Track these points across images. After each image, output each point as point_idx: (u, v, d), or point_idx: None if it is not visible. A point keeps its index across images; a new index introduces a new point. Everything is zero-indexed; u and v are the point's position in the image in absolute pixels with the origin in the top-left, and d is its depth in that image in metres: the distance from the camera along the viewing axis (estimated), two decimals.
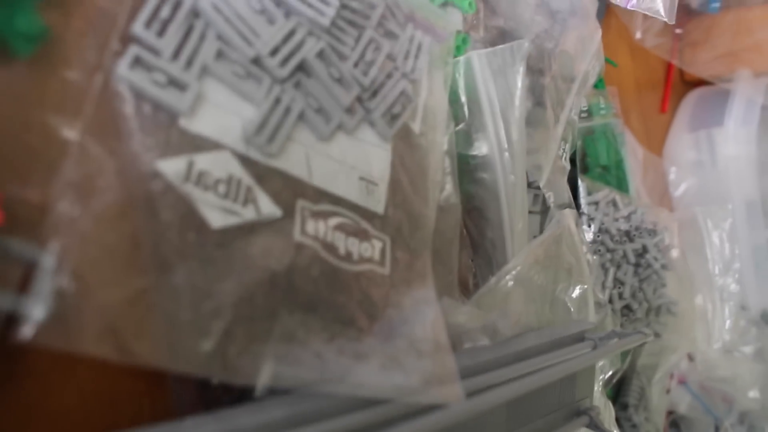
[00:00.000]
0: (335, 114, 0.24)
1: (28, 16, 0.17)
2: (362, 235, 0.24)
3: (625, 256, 0.43)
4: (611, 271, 0.42)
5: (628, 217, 0.44)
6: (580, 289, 0.32)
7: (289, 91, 0.23)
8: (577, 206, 0.43)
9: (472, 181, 0.31)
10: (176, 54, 0.20)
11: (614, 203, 0.45)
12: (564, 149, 0.38)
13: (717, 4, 0.52)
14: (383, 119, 0.26)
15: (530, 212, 0.35)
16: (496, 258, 0.30)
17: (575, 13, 0.43)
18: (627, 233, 0.44)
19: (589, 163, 0.46)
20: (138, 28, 0.20)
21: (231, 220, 0.20)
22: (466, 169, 0.31)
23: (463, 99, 0.31)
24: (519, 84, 0.30)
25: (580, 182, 0.43)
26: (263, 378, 0.19)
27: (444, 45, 0.30)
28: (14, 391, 0.19)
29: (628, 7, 0.41)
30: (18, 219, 0.17)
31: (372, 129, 0.26)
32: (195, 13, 0.21)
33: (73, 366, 0.21)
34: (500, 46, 0.31)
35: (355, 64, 0.25)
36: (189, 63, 0.21)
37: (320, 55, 0.24)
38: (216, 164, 0.21)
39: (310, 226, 0.23)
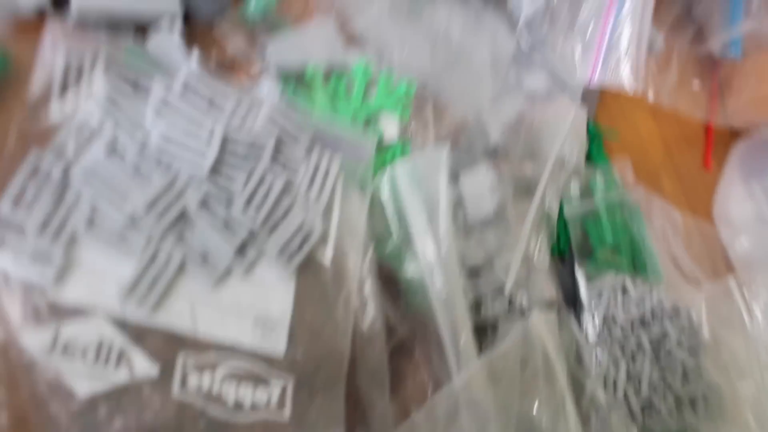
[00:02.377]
0: (222, 260, 0.30)
1: None
2: (257, 380, 0.29)
3: (640, 345, 0.44)
4: (623, 365, 0.43)
5: (640, 302, 0.46)
6: (553, 402, 0.34)
7: (169, 244, 0.29)
8: (579, 299, 0.46)
9: (412, 298, 0.35)
10: (43, 228, 0.27)
11: (623, 288, 0.47)
12: (538, 242, 0.42)
13: (738, 49, 0.57)
14: (282, 256, 0.31)
15: (501, 318, 0.38)
16: (441, 378, 0.33)
17: (551, 94, 0.49)
18: (641, 320, 0.45)
19: (594, 247, 0.49)
20: (5, 208, 0.27)
21: (99, 387, 0.26)
22: (406, 287, 0.35)
23: (391, 213, 0.36)
24: (443, 192, 0.35)
25: (577, 272, 0.46)
26: None
27: (363, 163, 0.36)
28: None
29: (592, 86, 0.46)
30: None
31: (270, 267, 0.31)
32: (64, 185, 0.29)
33: None
34: (419, 155, 0.36)
35: (246, 204, 0.31)
36: (56, 234, 0.27)
37: (202, 203, 0.30)
38: (85, 330, 0.26)
39: (193, 380, 0.28)
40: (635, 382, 0.43)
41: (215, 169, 0.31)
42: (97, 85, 0.30)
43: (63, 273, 0.27)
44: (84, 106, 0.30)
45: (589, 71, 0.45)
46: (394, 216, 0.36)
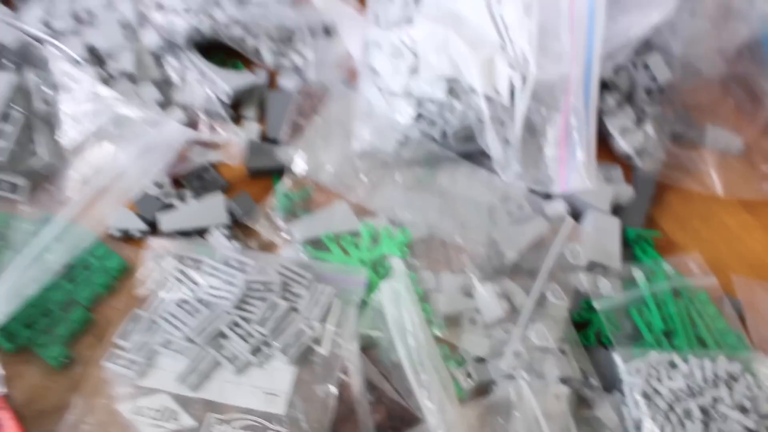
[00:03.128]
0: (243, 357, 0.62)
1: (59, 348, 0.63)
2: (262, 430, 0.58)
3: (688, 413, 0.63)
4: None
5: (689, 374, 0.66)
6: None
7: (210, 350, 0.62)
8: (619, 382, 0.67)
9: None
10: (136, 348, 0.62)
11: (671, 363, 0.67)
12: (545, 335, 0.66)
13: None
14: (285, 352, 0.62)
15: None
16: None
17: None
18: (689, 389, 0.64)
19: (643, 333, 0.70)
20: (116, 338, 0.63)
21: (157, 431, 0.58)
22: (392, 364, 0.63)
23: (379, 318, 0.65)
24: (407, 314, 0.65)
25: (614, 354, 0.67)
26: None
27: (356, 288, 0.67)
28: None
29: (562, 192, 0.72)
30: None
31: (277, 359, 0.62)
32: (151, 324, 0.64)
33: None
34: (393, 279, 0.66)
35: (260, 322, 0.64)
36: (141, 350, 0.62)
37: (231, 324, 0.64)
38: (154, 401, 0.59)
39: (216, 429, 0.58)
40: None
41: (241, 302, 0.65)
42: (172, 268, 0.67)
43: (144, 371, 0.62)
44: (166, 283, 0.67)
45: (558, 178, 0.72)
46: (384, 320, 0.65)
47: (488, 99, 0.75)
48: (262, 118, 0.81)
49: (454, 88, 0.77)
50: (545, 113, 0.76)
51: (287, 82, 0.83)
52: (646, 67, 0.85)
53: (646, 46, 0.86)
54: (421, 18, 0.80)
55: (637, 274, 0.75)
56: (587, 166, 0.72)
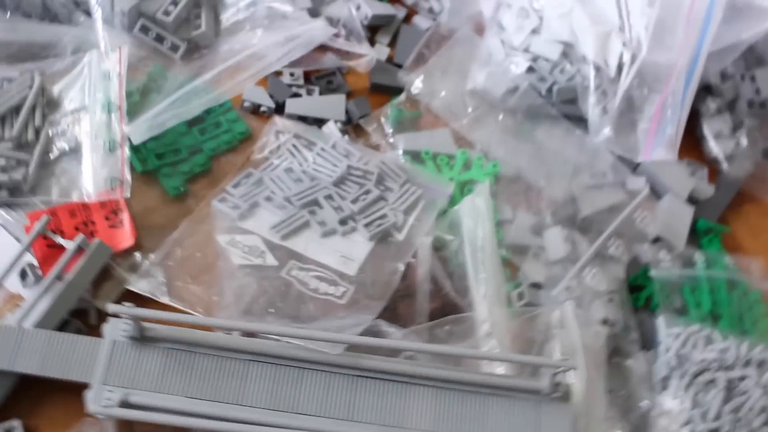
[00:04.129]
0: (331, 225, 0.69)
1: (179, 182, 0.71)
2: (331, 282, 0.65)
3: (713, 381, 0.67)
4: (690, 393, 0.66)
5: (724, 350, 0.69)
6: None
7: (304, 212, 0.70)
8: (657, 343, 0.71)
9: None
10: (242, 196, 0.71)
11: (708, 338, 0.70)
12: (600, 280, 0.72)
13: None
14: (366, 229, 0.69)
15: None
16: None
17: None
18: (719, 363, 0.68)
19: (689, 309, 0.74)
20: (228, 187, 0.71)
21: (245, 261, 0.66)
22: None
23: (456, 226, 0.71)
24: (481, 226, 0.71)
25: (658, 319, 0.72)
26: None
27: (442, 197, 0.74)
28: None
29: (646, 159, 0.77)
30: None
31: (359, 233, 0.69)
32: (260, 181, 0.72)
33: None
34: (474, 196, 0.73)
35: (353, 201, 0.71)
36: (247, 200, 0.70)
37: (327, 197, 0.71)
38: (247, 240, 0.67)
39: (294, 272, 0.66)
40: (702, 411, 0.66)
41: (340, 182, 0.73)
42: (288, 143, 0.76)
43: (245, 215, 0.70)
44: (280, 153, 0.75)
45: (645, 149, 0.77)
46: (459, 229, 0.72)
47: (597, 68, 0.81)
48: (393, 45, 0.89)
49: (568, 53, 0.83)
50: (646, 93, 0.81)
51: (421, 21, 0.91)
52: (753, 79, 0.89)
53: (757, 60, 0.90)
54: None
55: (698, 257, 0.78)
56: (673, 142, 0.77)
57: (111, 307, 0.56)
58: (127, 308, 0.56)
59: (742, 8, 0.83)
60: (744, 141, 0.89)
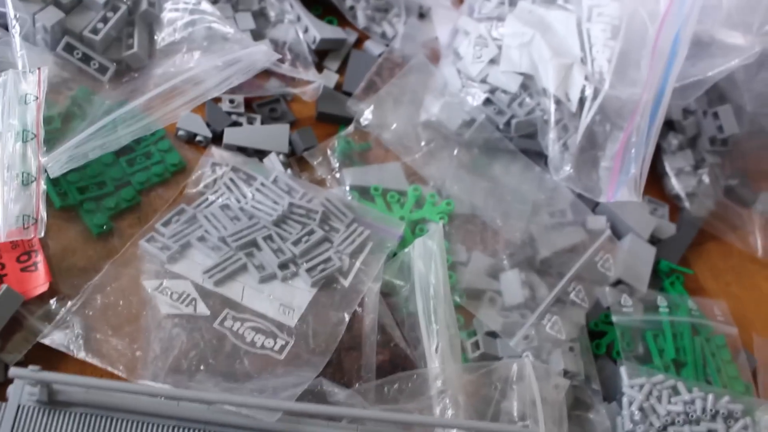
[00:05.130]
0: (269, 269, 0.62)
1: (102, 218, 0.64)
2: (269, 334, 0.58)
3: None
4: None
5: (690, 402, 0.65)
6: None
7: (241, 255, 0.63)
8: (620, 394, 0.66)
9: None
10: (173, 236, 0.63)
11: (674, 389, 0.66)
12: (560, 328, 0.66)
13: None
14: (308, 274, 0.62)
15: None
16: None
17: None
18: (687, 416, 0.64)
19: (653, 356, 0.69)
20: (157, 225, 0.64)
21: (173, 311, 0.58)
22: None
23: (406, 270, 0.65)
24: (434, 270, 0.64)
25: (622, 366, 0.67)
26: None
27: (391, 238, 0.67)
28: None
29: (609, 201, 0.72)
30: None
31: (300, 279, 0.62)
32: (193, 218, 0.65)
33: None
34: (426, 238, 0.66)
35: (294, 243, 0.64)
36: (178, 240, 0.63)
37: (266, 237, 0.64)
38: (177, 285, 0.60)
39: (228, 323, 0.59)
40: None
41: (281, 221, 0.66)
42: (225, 176, 0.69)
43: (175, 258, 0.63)
44: (216, 187, 0.68)
45: (607, 189, 0.72)
46: (409, 273, 0.66)
47: (558, 102, 0.76)
48: (341, 72, 0.83)
49: (527, 85, 0.78)
50: (608, 129, 0.76)
51: (373, 46, 0.85)
52: (716, 116, 0.85)
53: (719, 97, 0.86)
54: (513, 18, 0.81)
55: (661, 301, 0.74)
56: (637, 183, 0.72)
57: (13, 371, 0.48)
58: (32, 372, 0.48)
59: (709, 44, 0.79)
60: (706, 178, 0.85)
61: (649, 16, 0.78)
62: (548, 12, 0.82)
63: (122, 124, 0.67)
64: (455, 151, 0.78)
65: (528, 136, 0.78)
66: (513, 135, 0.78)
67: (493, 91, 0.78)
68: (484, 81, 0.78)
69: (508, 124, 0.78)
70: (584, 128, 0.75)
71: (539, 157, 0.79)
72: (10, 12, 0.68)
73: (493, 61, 0.79)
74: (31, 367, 0.48)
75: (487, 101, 0.78)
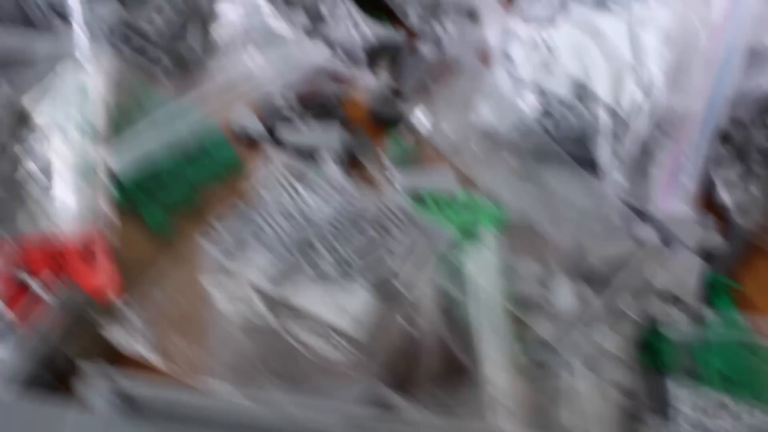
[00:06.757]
0: (326, 270, 0.62)
1: (160, 215, 0.64)
2: (327, 338, 0.58)
3: None
4: None
5: (737, 417, 0.64)
6: None
7: (296, 254, 0.63)
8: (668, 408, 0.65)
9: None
10: (230, 234, 0.63)
11: (721, 404, 0.65)
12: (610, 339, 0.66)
13: None
14: (363, 276, 0.62)
15: None
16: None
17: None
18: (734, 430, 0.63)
19: (701, 372, 0.69)
20: (214, 222, 0.64)
21: (232, 308, 0.58)
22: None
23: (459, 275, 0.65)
24: (492, 270, 0.64)
25: (668, 381, 0.66)
26: None
27: (444, 243, 0.67)
28: None
29: (660, 209, 0.71)
30: None
31: (357, 280, 0.62)
32: (249, 217, 0.65)
33: None
34: (480, 247, 0.66)
35: (349, 244, 0.64)
36: (234, 236, 0.63)
37: (321, 238, 0.64)
38: (235, 284, 0.60)
39: (286, 323, 0.59)
40: None
41: (335, 222, 0.66)
42: (280, 175, 0.69)
43: (232, 255, 0.63)
44: (271, 186, 0.68)
45: (658, 199, 0.72)
46: (461, 279, 0.66)
47: (610, 110, 0.75)
48: (392, 71, 0.82)
49: (579, 91, 0.77)
50: (659, 137, 0.76)
51: (424, 48, 0.84)
52: (766, 126, 0.84)
53: None
54: (565, 23, 0.81)
55: (710, 315, 0.74)
56: (689, 194, 0.71)
57: (88, 370, 0.48)
58: (105, 372, 0.48)
59: (763, 54, 0.78)
60: (755, 191, 0.84)
61: (701, 23, 0.78)
62: (599, 17, 0.81)
63: (179, 117, 0.67)
64: (506, 156, 0.77)
65: (578, 143, 0.78)
66: (563, 141, 0.77)
67: (544, 96, 0.77)
68: (535, 86, 0.78)
69: (558, 129, 0.77)
70: (636, 137, 0.75)
71: (589, 164, 0.78)
72: (73, 4, 0.68)
73: (545, 66, 0.78)
74: (104, 367, 0.48)
75: (539, 107, 0.77)
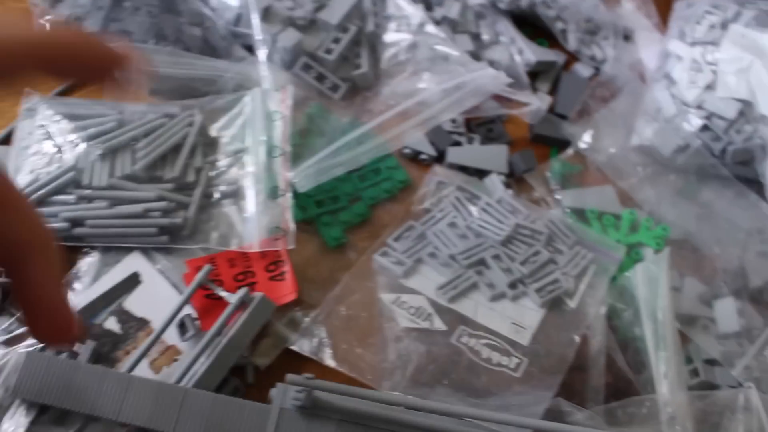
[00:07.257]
0: (499, 288, 0.65)
1: (338, 231, 0.68)
2: (504, 352, 0.60)
3: None
4: None
5: None
6: None
7: (470, 273, 0.65)
8: None
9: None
10: (405, 251, 0.67)
11: None
12: None
13: None
14: (537, 294, 0.64)
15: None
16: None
17: None
18: None
19: None
20: (389, 240, 0.67)
21: (411, 324, 0.61)
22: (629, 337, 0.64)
23: (629, 295, 0.66)
24: (663, 288, 0.65)
25: None
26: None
27: (612, 261, 0.68)
28: None
29: None
30: None
31: (529, 299, 0.64)
32: (422, 237, 0.68)
33: None
34: (651, 262, 0.67)
35: (522, 263, 0.66)
36: (410, 256, 0.66)
37: (494, 257, 0.66)
38: (413, 300, 0.63)
39: (464, 338, 0.61)
40: None
41: (507, 241, 0.68)
42: (451, 195, 0.71)
43: (408, 273, 0.66)
44: (442, 205, 0.71)
45: None
46: (632, 298, 0.67)
47: None
48: (552, 92, 0.84)
49: (745, 111, 0.77)
50: None
51: (582, 69, 0.85)
52: None
53: None
54: (728, 42, 0.80)
55: None
56: None
57: (289, 377, 0.52)
58: (305, 379, 0.52)
59: None
60: None
61: None
62: (763, 36, 0.81)
63: (358, 143, 0.71)
64: (670, 177, 0.78)
65: (744, 164, 0.77)
66: (728, 162, 0.77)
67: (709, 117, 0.77)
68: (699, 107, 0.78)
69: (723, 150, 0.77)
70: None
71: (755, 184, 0.78)
72: (257, 35, 0.73)
73: (709, 87, 0.78)
74: (307, 375, 0.52)
75: (704, 127, 0.77)
